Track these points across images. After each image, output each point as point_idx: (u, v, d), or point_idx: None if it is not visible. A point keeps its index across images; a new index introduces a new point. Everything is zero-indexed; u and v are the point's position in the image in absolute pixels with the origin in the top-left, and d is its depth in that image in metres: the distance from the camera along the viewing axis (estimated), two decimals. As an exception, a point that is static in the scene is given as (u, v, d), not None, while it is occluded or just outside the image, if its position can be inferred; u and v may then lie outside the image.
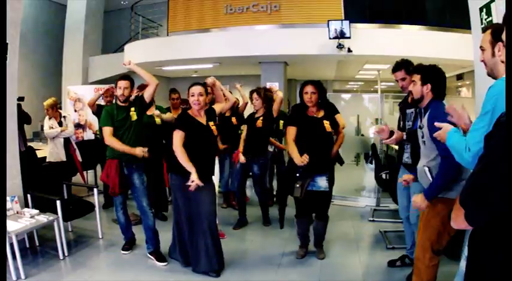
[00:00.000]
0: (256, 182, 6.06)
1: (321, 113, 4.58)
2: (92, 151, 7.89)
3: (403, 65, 4.27)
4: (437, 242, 3.23)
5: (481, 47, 2.30)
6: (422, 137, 3.30)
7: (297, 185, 4.38)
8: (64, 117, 7.17)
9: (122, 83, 4.75)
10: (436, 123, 2.66)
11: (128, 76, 4.92)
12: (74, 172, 7.12)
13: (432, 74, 3.32)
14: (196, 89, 4.25)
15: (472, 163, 2.15)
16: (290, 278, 4.37)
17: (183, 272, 4.45)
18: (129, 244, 5.10)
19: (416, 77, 3.36)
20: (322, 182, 4.48)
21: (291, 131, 4.52)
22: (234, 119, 6.50)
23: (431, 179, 3.22)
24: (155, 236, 4.84)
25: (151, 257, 4.77)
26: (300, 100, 4.66)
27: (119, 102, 4.82)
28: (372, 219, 6.33)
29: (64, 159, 6.96)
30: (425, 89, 3.30)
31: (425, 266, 3.27)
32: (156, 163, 5.92)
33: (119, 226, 5.09)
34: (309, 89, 4.47)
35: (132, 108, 4.79)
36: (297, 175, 4.40)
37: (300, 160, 4.26)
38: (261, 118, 5.82)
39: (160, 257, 4.74)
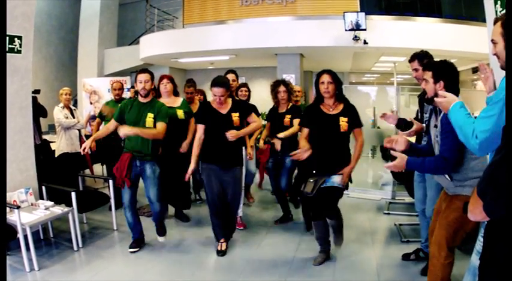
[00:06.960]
0: (285, 175, 5.63)
1: (339, 108, 4.21)
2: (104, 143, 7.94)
3: (417, 56, 4.19)
4: (453, 240, 3.17)
5: (492, 40, 2.16)
6: (437, 136, 3.13)
7: (311, 180, 4.14)
8: (74, 110, 7.23)
9: (142, 77, 4.54)
10: (440, 93, 2.67)
11: (147, 69, 4.71)
12: (85, 164, 7.14)
13: (444, 71, 3.10)
14: (219, 91, 4.44)
15: (479, 150, 2.14)
16: (305, 270, 4.33)
17: (197, 264, 4.47)
18: (137, 243, 4.86)
19: (428, 75, 3.12)
20: (336, 179, 4.13)
21: (305, 132, 4.29)
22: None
23: (449, 179, 3.14)
24: (159, 226, 4.98)
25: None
26: (315, 92, 4.30)
27: (140, 97, 4.65)
28: (387, 212, 6.29)
29: (79, 150, 6.96)
30: (438, 86, 3.07)
31: (440, 264, 3.21)
32: (174, 157, 5.46)
33: (127, 224, 4.89)
34: (326, 78, 4.11)
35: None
36: (313, 171, 4.19)
37: (298, 155, 4.01)
38: (288, 116, 5.53)
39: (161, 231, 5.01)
